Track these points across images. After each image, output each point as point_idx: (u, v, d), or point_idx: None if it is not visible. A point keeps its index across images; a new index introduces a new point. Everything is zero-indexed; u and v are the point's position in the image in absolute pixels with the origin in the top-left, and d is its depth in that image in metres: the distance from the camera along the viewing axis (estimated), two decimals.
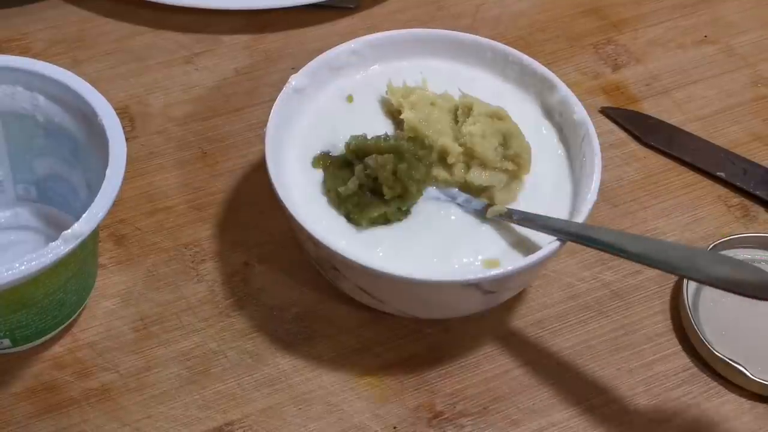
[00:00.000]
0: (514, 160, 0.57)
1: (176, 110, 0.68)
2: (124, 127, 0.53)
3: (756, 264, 0.59)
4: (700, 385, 0.57)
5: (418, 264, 0.54)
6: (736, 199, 0.66)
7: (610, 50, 0.75)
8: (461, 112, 0.59)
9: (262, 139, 0.56)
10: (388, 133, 0.59)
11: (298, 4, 0.73)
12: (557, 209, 0.56)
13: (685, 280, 0.59)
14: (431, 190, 0.57)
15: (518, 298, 0.59)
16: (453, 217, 0.56)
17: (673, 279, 0.61)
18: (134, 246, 0.61)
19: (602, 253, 0.56)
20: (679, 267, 0.50)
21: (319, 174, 0.58)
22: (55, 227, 0.59)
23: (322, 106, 0.60)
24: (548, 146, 0.60)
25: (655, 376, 0.57)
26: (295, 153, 0.58)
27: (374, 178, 0.55)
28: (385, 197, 0.55)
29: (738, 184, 0.66)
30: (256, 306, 0.58)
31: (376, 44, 0.62)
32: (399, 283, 0.52)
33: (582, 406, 0.56)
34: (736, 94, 0.72)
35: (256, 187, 0.64)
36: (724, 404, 0.56)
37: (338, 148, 0.58)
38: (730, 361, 0.56)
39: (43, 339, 0.55)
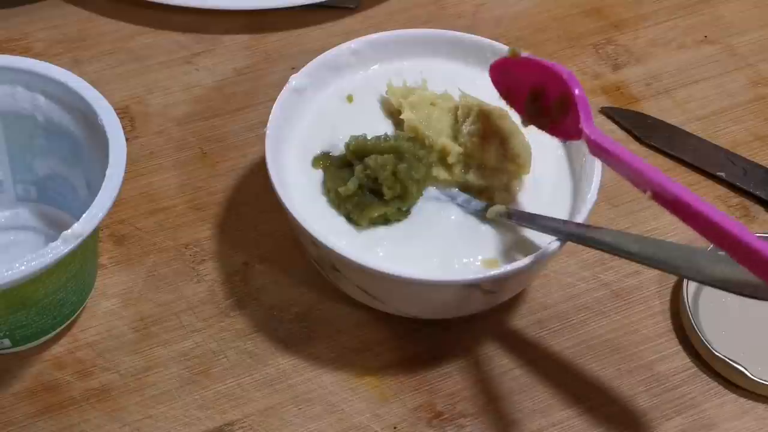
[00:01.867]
0: (514, 160, 0.57)
1: (176, 110, 0.68)
2: (124, 127, 0.53)
3: None
4: (700, 385, 0.57)
5: (418, 264, 0.54)
6: (736, 199, 0.66)
7: (610, 50, 0.75)
8: (461, 112, 0.59)
9: (262, 139, 0.56)
10: (388, 133, 0.59)
11: (298, 4, 0.73)
12: (557, 209, 0.56)
13: (685, 280, 0.59)
14: (431, 190, 0.57)
15: (518, 298, 0.59)
16: (453, 217, 0.56)
17: (673, 279, 0.61)
18: (134, 246, 0.61)
19: (602, 253, 0.56)
20: (679, 267, 0.50)
21: (319, 174, 0.58)
22: (55, 227, 0.59)
23: (322, 106, 0.60)
24: (548, 146, 0.60)
25: (655, 376, 0.57)
26: (295, 153, 0.58)
27: (374, 179, 0.55)
28: (385, 197, 0.55)
29: (738, 184, 0.66)
30: (256, 306, 0.58)
31: (376, 44, 0.62)
32: (399, 283, 0.52)
33: (582, 406, 0.56)
34: (737, 94, 0.72)
35: (256, 187, 0.64)
36: (724, 404, 0.56)
37: (338, 148, 0.58)
38: (730, 361, 0.56)
39: (43, 339, 0.55)
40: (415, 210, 0.56)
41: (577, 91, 0.52)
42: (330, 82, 0.61)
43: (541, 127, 0.56)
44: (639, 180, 0.49)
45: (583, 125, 0.51)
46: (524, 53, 0.56)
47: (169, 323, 0.57)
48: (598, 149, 0.51)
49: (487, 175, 0.57)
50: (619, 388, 0.56)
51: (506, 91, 0.57)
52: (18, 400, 0.54)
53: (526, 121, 0.56)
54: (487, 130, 0.57)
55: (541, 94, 0.55)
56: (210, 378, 0.55)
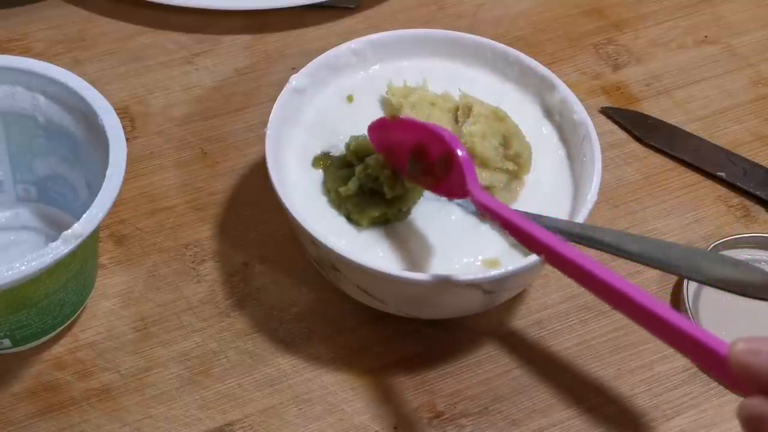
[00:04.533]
0: (515, 160, 0.57)
1: (176, 110, 0.68)
2: (124, 127, 0.53)
3: (756, 264, 0.59)
4: (700, 385, 0.57)
5: (419, 264, 0.54)
6: (736, 199, 0.66)
7: (610, 50, 0.75)
8: (461, 112, 0.59)
9: (262, 139, 0.56)
10: None
11: (298, 4, 0.73)
12: (557, 209, 0.56)
13: (685, 280, 0.59)
14: None
15: (518, 298, 0.60)
16: (453, 217, 0.56)
17: (673, 279, 0.61)
18: (134, 246, 0.61)
19: (602, 253, 0.56)
20: (679, 267, 0.50)
21: (319, 174, 0.58)
22: (55, 227, 0.59)
23: (322, 106, 0.60)
24: (548, 146, 0.60)
25: (655, 376, 0.57)
26: (295, 153, 0.58)
27: (374, 179, 0.55)
28: (386, 197, 0.55)
29: (738, 184, 0.66)
30: (256, 306, 0.58)
31: (376, 44, 0.62)
32: (399, 283, 0.52)
33: (582, 406, 0.56)
34: (737, 94, 0.72)
35: (256, 187, 0.64)
36: (724, 404, 0.56)
37: (338, 148, 0.58)
38: None
39: (44, 339, 0.55)
40: (415, 210, 0.56)
41: (460, 153, 0.51)
42: (330, 82, 0.61)
43: (425, 186, 0.54)
44: (530, 242, 0.47)
45: (470, 187, 0.50)
46: (403, 115, 0.55)
47: (170, 323, 0.57)
48: (486, 211, 0.49)
49: (487, 175, 0.57)
50: (619, 388, 0.56)
51: (387, 151, 0.55)
52: (18, 400, 0.54)
53: (410, 181, 0.54)
54: (487, 130, 0.57)
55: (423, 153, 0.53)
56: (210, 378, 0.55)
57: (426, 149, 0.53)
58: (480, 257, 0.54)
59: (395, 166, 0.55)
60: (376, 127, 0.56)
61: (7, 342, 0.53)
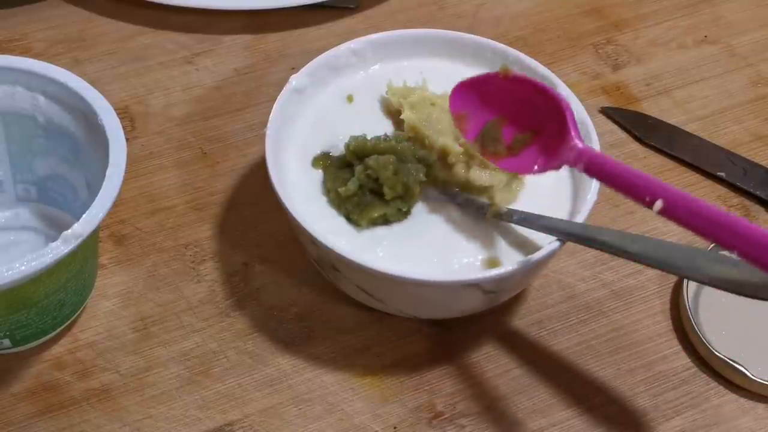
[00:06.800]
0: None
1: (176, 110, 0.68)
2: (124, 127, 0.53)
3: None
4: (700, 385, 0.57)
5: (418, 264, 0.54)
6: (736, 199, 0.66)
7: (610, 50, 0.75)
8: None
9: (262, 139, 0.56)
10: (388, 133, 0.59)
11: (298, 4, 0.73)
12: (557, 209, 0.56)
13: (685, 280, 0.59)
14: (431, 190, 0.57)
15: (518, 298, 0.60)
16: (453, 217, 0.56)
17: (673, 279, 0.61)
18: (134, 246, 0.61)
19: (602, 253, 0.56)
20: (679, 267, 0.50)
21: (319, 174, 0.58)
22: (55, 227, 0.59)
23: (322, 106, 0.60)
24: None
25: (655, 376, 0.57)
26: (295, 153, 0.58)
27: (375, 179, 0.55)
28: (386, 197, 0.55)
29: (738, 184, 0.66)
30: (256, 306, 0.58)
31: (376, 44, 0.62)
32: (399, 283, 0.52)
33: (582, 406, 0.56)
34: (737, 94, 0.72)
35: (256, 187, 0.64)
36: (724, 404, 0.56)
37: (338, 148, 0.58)
38: (730, 361, 0.56)
39: (44, 339, 0.55)
40: (415, 210, 0.56)
41: (568, 112, 0.52)
42: (330, 82, 0.61)
43: (489, 154, 0.55)
44: (647, 190, 0.47)
45: (581, 146, 0.51)
46: (515, 72, 0.55)
47: (169, 323, 0.57)
48: (599, 165, 0.50)
49: (487, 175, 0.57)
50: (619, 388, 0.56)
51: (462, 113, 0.56)
52: (18, 401, 0.54)
53: (477, 148, 0.55)
54: None
55: (503, 124, 0.54)
56: (210, 378, 0.55)
57: (506, 121, 0.54)
58: (480, 257, 0.54)
59: (461, 130, 0.56)
60: (467, 86, 0.56)
61: (6, 342, 0.53)
